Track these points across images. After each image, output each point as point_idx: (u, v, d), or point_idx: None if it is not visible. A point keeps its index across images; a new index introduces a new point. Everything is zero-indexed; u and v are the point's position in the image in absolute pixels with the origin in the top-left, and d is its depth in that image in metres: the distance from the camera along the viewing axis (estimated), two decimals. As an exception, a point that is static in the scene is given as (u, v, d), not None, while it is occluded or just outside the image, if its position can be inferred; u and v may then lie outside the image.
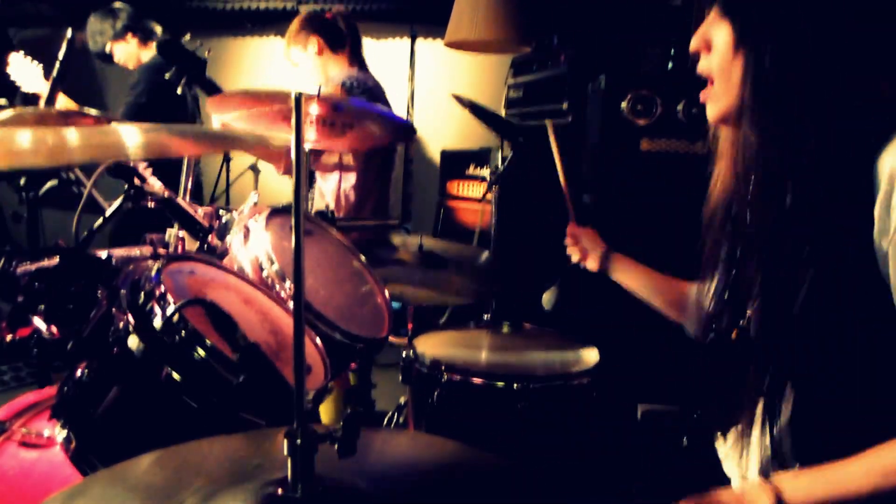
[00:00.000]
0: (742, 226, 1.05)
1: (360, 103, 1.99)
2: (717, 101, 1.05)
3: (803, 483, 0.96)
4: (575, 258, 1.65)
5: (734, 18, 0.99)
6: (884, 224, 0.90)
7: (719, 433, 1.21)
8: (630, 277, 1.52)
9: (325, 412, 2.16)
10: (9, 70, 3.10)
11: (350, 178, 2.76)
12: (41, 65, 3.07)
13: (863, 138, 0.93)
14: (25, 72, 3.10)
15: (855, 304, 0.94)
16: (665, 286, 1.47)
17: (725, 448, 1.20)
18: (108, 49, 3.32)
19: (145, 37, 3.34)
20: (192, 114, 3.41)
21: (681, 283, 1.45)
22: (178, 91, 2.46)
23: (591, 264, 1.59)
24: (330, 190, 2.79)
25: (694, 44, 1.06)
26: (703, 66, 1.06)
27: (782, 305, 0.99)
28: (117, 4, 3.34)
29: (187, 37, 2.59)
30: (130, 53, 3.35)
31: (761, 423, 1.06)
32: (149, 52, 3.33)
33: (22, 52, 3.11)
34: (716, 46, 1.02)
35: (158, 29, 3.39)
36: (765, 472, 1.06)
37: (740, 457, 1.13)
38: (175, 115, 3.29)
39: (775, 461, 1.07)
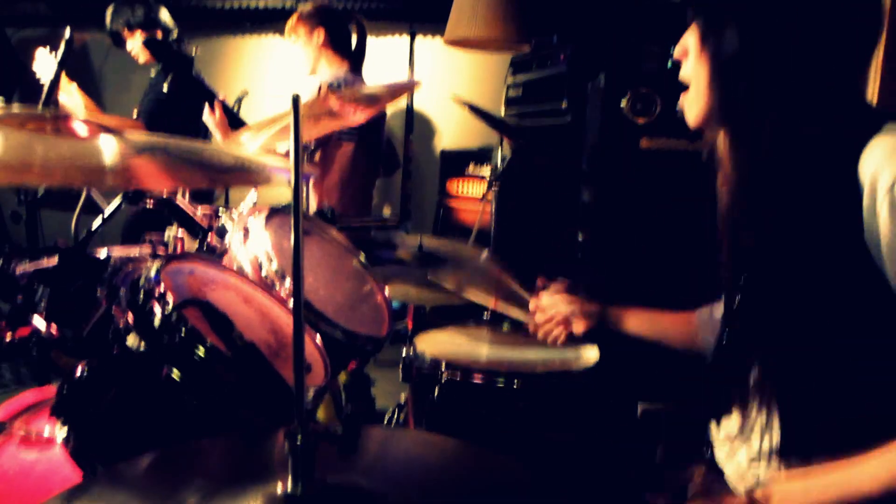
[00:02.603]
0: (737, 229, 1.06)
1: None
2: (691, 104, 1.06)
3: (797, 487, 0.95)
4: (560, 337, 1.52)
5: (699, 18, 1.01)
6: (872, 222, 0.90)
7: (713, 422, 1.21)
8: (636, 327, 1.45)
9: (319, 409, 2.16)
10: (34, 66, 3.09)
11: (331, 178, 2.76)
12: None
13: (843, 140, 0.93)
14: (47, 66, 3.09)
15: (845, 298, 0.94)
16: (673, 325, 1.41)
17: (720, 438, 1.20)
18: (123, 34, 3.33)
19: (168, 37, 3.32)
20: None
21: (687, 315, 1.40)
22: (164, 88, 2.46)
23: (578, 327, 1.50)
24: (309, 192, 2.79)
25: (676, 52, 1.08)
26: (683, 72, 1.08)
27: (773, 303, 0.99)
28: None
29: (174, 34, 2.58)
30: (139, 49, 3.34)
31: (757, 410, 1.06)
32: None
33: (48, 48, 3.09)
34: (689, 51, 1.05)
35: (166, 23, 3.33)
36: (767, 458, 1.07)
37: (733, 442, 1.14)
38: (193, 111, 3.28)
39: (768, 453, 1.07)
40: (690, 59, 1.04)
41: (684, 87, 1.09)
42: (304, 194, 2.64)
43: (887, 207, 0.89)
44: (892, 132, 0.92)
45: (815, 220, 0.95)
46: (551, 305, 1.54)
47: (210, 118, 2.55)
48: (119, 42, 3.38)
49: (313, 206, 2.78)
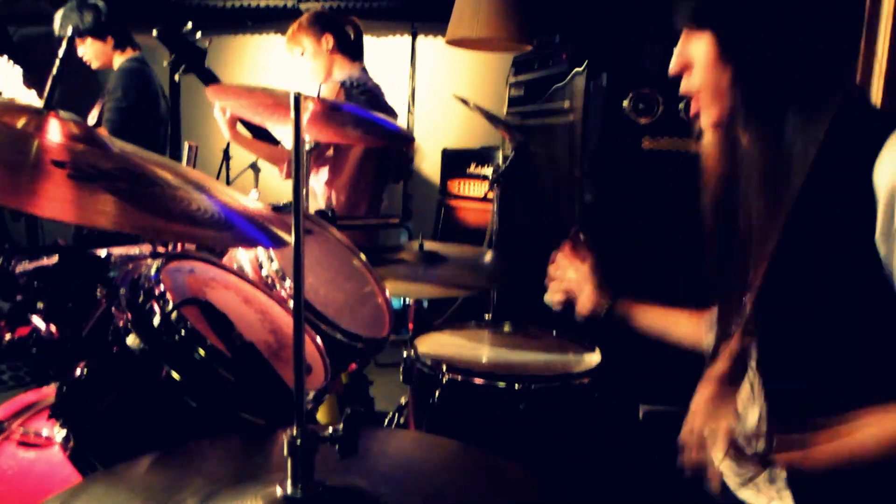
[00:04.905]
0: (733, 227, 1.06)
1: (354, 109, 1.99)
2: (709, 111, 1.07)
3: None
4: (556, 298, 1.46)
5: (713, 28, 1.01)
6: (888, 230, 0.91)
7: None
8: (649, 322, 1.38)
9: (321, 412, 2.15)
10: None
11: (343, 178, 2.76)
12: (19, 67, 2.95)
13: (856, 142, 0.95)
14: (4, 76, 2.93)
15: (854, 300, 0.95)
16: (687, 324, 1.35)
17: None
18: (76, 40, 3.21)
19: (123, 43, 3.27)
20: (166, 117, 3.36)
21: (699, 315, 1.34)
22: (176, 78, 2.46)
23: (582, 307, 1.41)
24: (320, 191, 2.78)
25: (674, 68, 1.08)
26: (685, 86, 1.08)
27: (780, 303, 0.99)
28: (99, 2, 3.25)
29: (188, 26, 2.58)
30: (101, 53, 3.26)
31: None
32: (121, 58, 3.26)
33: (5, 56, 3.04)
34: (696, 61, 1.05)
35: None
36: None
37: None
38: (153, 119, 3.28)
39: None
40: (699, 67, 1.04)
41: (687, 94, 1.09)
42: (306, 193, 2.65)
43: None
44: None
45: (828, 224, 0.95)
46: (568, 267, 1.44)
47: (220, 114, 2.53)
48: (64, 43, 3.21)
49: (323, 204, 2.78)
